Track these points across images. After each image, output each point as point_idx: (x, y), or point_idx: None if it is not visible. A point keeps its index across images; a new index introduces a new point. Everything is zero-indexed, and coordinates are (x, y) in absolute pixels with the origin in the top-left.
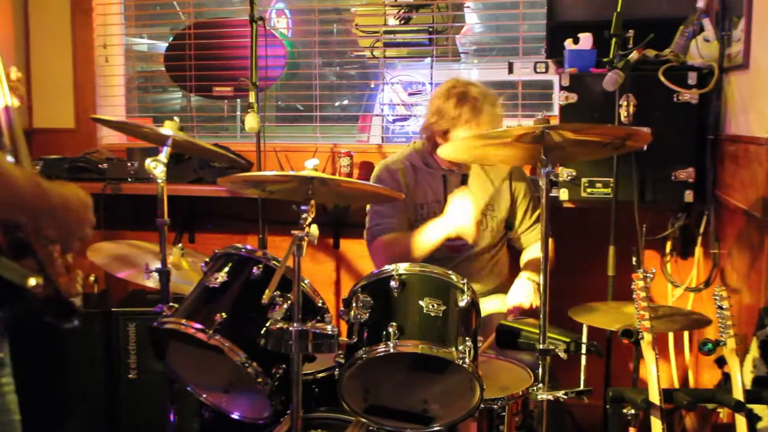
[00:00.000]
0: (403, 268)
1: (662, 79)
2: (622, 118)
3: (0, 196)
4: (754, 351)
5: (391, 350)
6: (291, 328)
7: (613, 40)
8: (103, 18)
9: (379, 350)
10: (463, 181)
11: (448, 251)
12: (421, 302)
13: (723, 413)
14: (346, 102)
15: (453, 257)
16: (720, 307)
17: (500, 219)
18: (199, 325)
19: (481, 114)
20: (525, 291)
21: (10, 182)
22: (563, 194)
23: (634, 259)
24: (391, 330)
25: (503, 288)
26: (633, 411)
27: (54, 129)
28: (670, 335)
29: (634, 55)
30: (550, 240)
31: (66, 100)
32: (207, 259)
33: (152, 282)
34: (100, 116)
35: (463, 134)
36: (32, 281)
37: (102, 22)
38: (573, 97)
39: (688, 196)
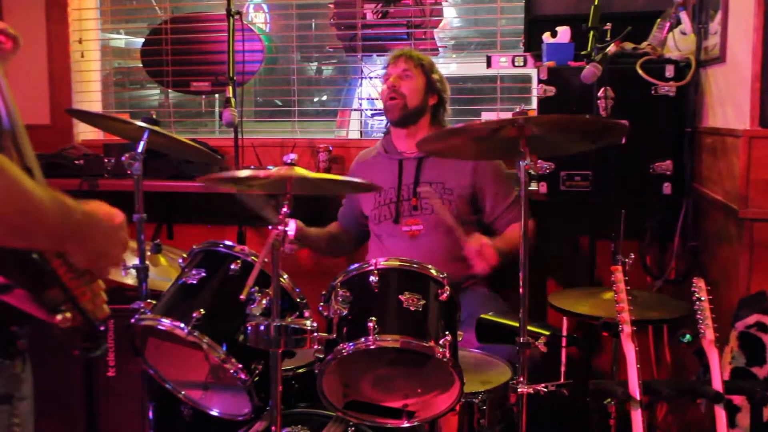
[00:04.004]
0: (382, 262)
1: (640, 72)
2: (601, 111)
3: (25, 225)
4: (732, 342)
5: (371, 345)
6: (270, 324)
7: (591, 33)
8: (79, 13)
9: (358, 345)
10: (419, 166)
11: (407, 236)
12: (400, 296)
13: (702, 404)
14: (324, 97)
15: (412, 243)
16: (698, 299)
17: (459, 203)
18: (176, 322)
19: (389, 59)
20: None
21: (36, 208)
22: (542, 188)
23: (613, 249)
24: (370, 325)
25: (478, 284)
26: (613, 402)
27: (29, 125)
28: (650, 327)
29: (611, 48)
30: (531, 221)
31: (41, 96)
32: (184, 255)
33: (129, 279)
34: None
35: (384, 86)
36: (59, 317)
37: (77, 17)
38: (551, 91)
39: (666, 188)
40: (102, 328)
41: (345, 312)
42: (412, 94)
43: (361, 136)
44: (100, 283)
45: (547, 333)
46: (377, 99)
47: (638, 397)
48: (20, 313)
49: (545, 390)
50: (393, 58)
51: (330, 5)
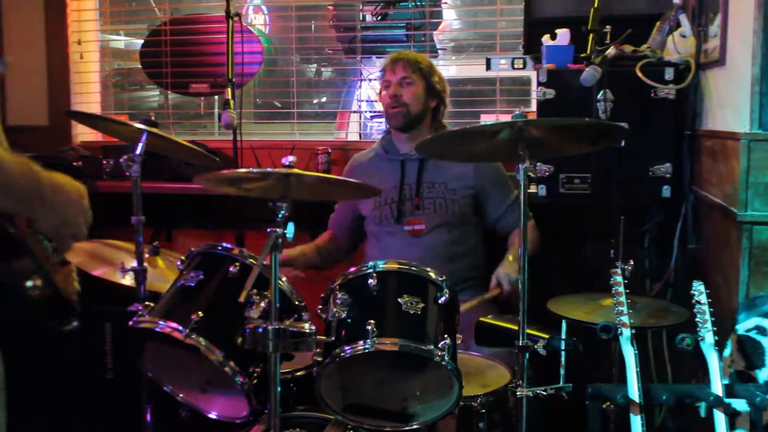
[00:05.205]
0: (381, 265)
1: (639, 74)
2: (600, 114)
3: None
4: (732, 345)
5: (370, 348)
6: (268, 327)
7: (591, 35)
8: (78, 14)
9: (357, 348)
10: (421, 166)
11: (410, 235)
12: (399, 300)
13: (702, 408)
14: (324, 99)
15: (414, 242)
16: (698, 302)
17: (461, 203)
18: (175, 324)
19: (386, 62)
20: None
21: (1, 167)
22: (541, 190)
23: (612, 255)
24: (369, 328)
25: (477, 284)
26: (612, 407)
27: (28, 126)
28: (648, 331)
29: (611, 51)
30: (532, 222)
31: (40, 97)
32: (183, 258)
33: (128, 281)
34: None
35: (383, 92)
36: (29, 282)
37: (76, 18)
38: (551, 93)
39: (666, 191)
40: (73, 304)
41: (344, 315)
42: (414, 101)
43: (360, 138)
44: (72, 266)
45: (546, 336)
46: (376, 101)
47: (637, 401)
48: None
49: (544, 393)
50: (391, 63)
51: (329, 7)
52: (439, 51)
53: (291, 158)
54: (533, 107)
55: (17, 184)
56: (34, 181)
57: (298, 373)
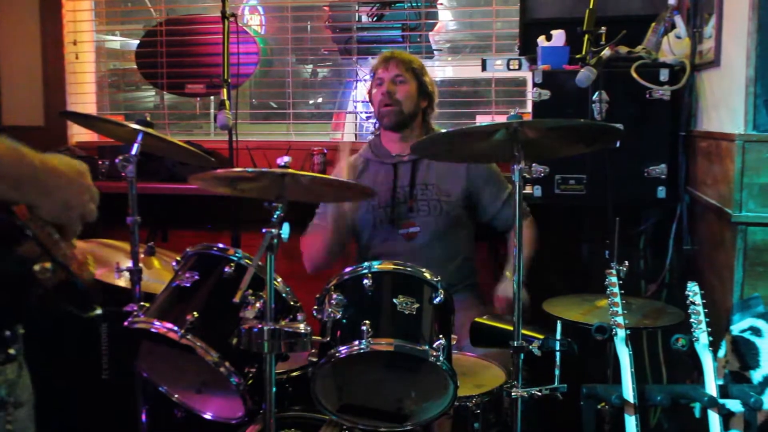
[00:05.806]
0: (376, 265)
1: (634, 75)
2: (595, 115)
3: None
4: (726, 346)
5: (365, 349)
6: (263, 327)
7: (586, 36)
8: (73, 14)
9: (352, 349)
10: (414, 168)
11: (404, 239)
12: (394, 300)
13: (697, 408)
14: (320, 99)
15: (408, 245)
16: (693, 303)
17: (454, 204)
18: (170, 325)
19: (378, 61)
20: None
21: None
22: (537, 191)
23: (607, 256)
24: (364, 328)
25: (474, 287)
26: (607, 407)
27: (23, 127)
28: (644, 331)
29: (606, 52)
30: (530, 220)
31: (35, 98)
32: (178, 258)
33: (123, 281)
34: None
35: (374, 90)
36: (37, 266)
37: (72, 18)
38: (546, 94)
39: (661, 192)
40: (92, 289)
41: (339, 315)
42: (407, 100)
43: (356, 138)
44: (87, 254)
45: (541, 337)
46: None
47: (632, 402)
48: (9, 315)
49: (539, 394)
50: (383, 61)
51: (325, 8)
52: (435, 52)
53: (286, 158)
54: (528, 108)
55: (7, 169)
56: (23, 163)
57: (294, 374)
